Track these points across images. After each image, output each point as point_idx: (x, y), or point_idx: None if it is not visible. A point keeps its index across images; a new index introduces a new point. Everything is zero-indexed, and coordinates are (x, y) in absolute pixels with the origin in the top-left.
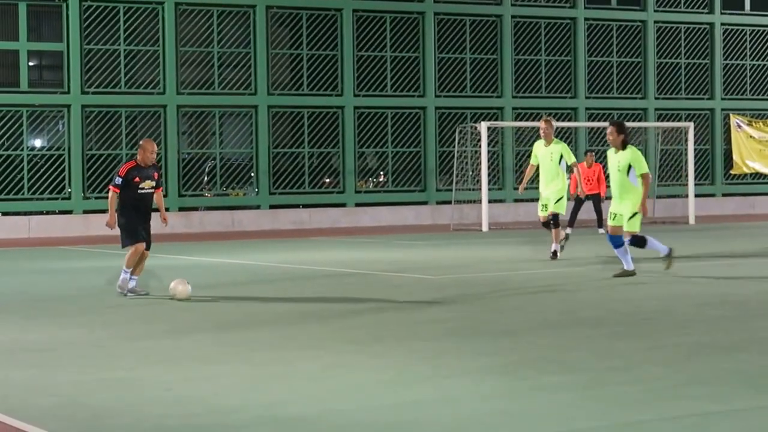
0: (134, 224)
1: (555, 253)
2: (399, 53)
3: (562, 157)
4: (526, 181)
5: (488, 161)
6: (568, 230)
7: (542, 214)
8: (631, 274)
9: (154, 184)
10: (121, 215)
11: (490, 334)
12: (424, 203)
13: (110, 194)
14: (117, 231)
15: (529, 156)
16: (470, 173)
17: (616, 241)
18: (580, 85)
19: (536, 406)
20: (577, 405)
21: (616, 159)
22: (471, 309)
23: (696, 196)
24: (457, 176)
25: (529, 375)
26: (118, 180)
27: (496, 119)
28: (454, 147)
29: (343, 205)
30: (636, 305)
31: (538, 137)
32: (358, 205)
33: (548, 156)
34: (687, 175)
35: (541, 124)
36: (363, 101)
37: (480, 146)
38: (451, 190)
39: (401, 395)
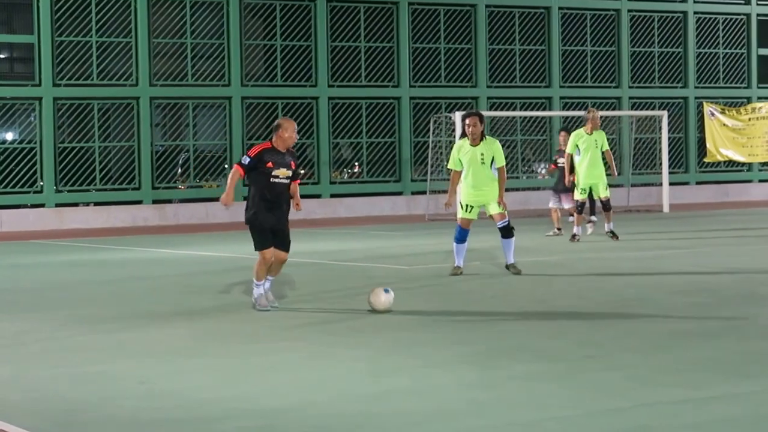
0: (262, 224)
1: (613, 235)
2: (373, 43)
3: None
4: (569, 171)
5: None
6: (594, 218)
7: (582, 197)
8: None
9: (290, 174)
10: (249, 207)
11: (466, 323)
12: (399, 193)
13: (232, 170)
14: (221, 209)
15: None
16: (445, 163)
17: (465, 235)
18: (555, 75)
19: (512, 395)
20: (552, 393)
21: (478, 151)
22: (446, 299)
23: (670, 184)
24: (431, 166)
25: (505, 364)
26: (246, 159)
27: (470, 109)
28: (428, 137)
29: (317, 196)
30: (612, 294)
31: (580, 126)
32: (333, 196)
33: (593, 144)
34: (661, 164)
35: (590, 115)
36: (337, 92)
37: (455, 136)
38: (426, 180)
39: (377, 386)
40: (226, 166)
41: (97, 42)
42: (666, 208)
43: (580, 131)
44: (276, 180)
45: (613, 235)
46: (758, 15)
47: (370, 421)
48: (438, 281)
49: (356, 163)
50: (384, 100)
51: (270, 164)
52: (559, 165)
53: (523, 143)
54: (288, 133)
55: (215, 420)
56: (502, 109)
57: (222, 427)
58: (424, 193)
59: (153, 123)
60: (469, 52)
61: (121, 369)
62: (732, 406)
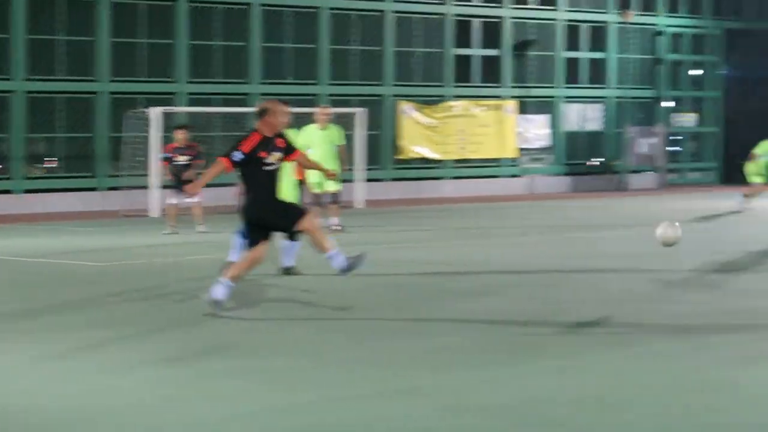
0: (261, 218)
1: (339, 227)
2: (73, 37)
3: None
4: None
5: (162, 147)
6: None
7: (317, 191)
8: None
9: (281, 155)
10: (250, 203)
11: (167, 320)
12: (94, 189)
13: (216, 164)
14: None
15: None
16: (141, 159)
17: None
18: (254, 71)
19: (202, 392)
20: (242, 389)
21: (327, 134)
22: (146, 294)
23: (366, 180)
24: (127, 162)
25: (197, 362)
26: (238, 156)
27: (170, 105)
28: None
29: (10, 191)
30: (309, 291)
31: (310, 123)
32: (27, 191)
33: (326, 139)
34: (356, 160)
35: (322, 110)
36: (34, 86)
37: (148, 132)
38: (120, 176)
39: (74, 385)
40: None
41: None
42: (361, 204)
43: (312, 127)
44: (270, 168)
45: (334, 229)
46: (454, 15)
47: (60, 422)
48: (136, 279)
49: (51, 159)
50: (81, 95)
51: (263, 154)
52: (174, 162)
53: (222, 139)
54: (279, 117)
55: None
56: (202, 105)
57: None
58: (118, 188)
59: None
60: (168, 47)
61: None
62: (414, 400)
